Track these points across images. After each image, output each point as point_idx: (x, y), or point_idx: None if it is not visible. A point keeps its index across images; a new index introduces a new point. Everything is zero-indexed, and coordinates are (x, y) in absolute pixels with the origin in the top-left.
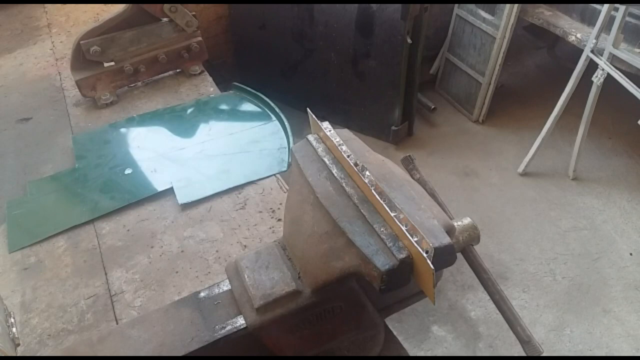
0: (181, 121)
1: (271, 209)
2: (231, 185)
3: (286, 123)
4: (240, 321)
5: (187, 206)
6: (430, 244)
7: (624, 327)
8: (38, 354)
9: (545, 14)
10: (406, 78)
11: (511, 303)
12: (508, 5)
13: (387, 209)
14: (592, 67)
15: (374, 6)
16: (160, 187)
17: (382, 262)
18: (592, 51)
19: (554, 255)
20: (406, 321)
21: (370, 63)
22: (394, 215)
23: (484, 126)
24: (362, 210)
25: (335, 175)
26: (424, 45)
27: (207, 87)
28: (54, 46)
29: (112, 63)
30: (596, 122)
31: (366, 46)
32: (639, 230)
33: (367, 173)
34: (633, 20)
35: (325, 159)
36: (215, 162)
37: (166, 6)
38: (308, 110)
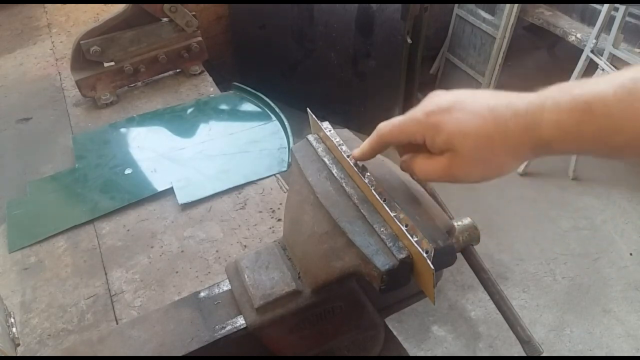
0: (181, 121)
1: (271, 209)
2: (231, 185)
3: (286, 123)
4: (240, 321)
5: (187, 206)
6: (430, 244)
7: (624, 327)
8: (38, 354)
9: (545, 14)
10: (406, 78)
11: (511, 303)
12: (508, 5)
13: (387, 209)
14: (592, 67)
15: (374, 6)
16: (160, 187)
17: (382, 262)
18: (592, 51)
19: (554, 255)
20: (406, 321)
21: (370, 63)
22: (394, 215)
23: None
24: (362, 210)
25: (335, 175)
26: (424, 45)
27: (207, 87)
28: (54, 46)
29: (112, 63)
30: None
31: (366, 46)
32: (639, 230)
33: (367, 173)
34: (633, 20)
35: (325, 159)
36: (215, 162)
37: (166, 6)
38: (308, 110)
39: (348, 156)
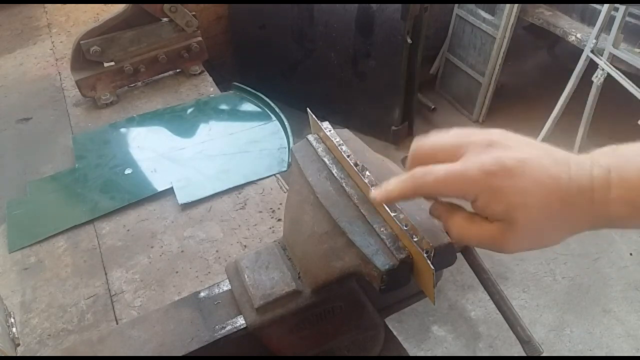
0: (181, 121)
1: (271, 209)
2: (231, 185)
3: (286, 123)
4: (240, 321)
5: (187, 206)
6: (431, 244)
7: (624, 327)
8: (38, 354)
9: (545, 14)
10: (406, 78)
11: (511, 303)
12: (508, 5)
13: (387, 209)
14: (592, 67)
15: (374, 6)
16: (160, 187)
17: (382, 262)
18: (592, 51)
19: (554, 255)
20: (406, 321)
21: (370, 63)
22: (394, 215)
23: (484, 126)
24: (362, 210)
25: (335, 175)
26: (424, 45)
27: (207, 87)
28: (54, 46)
29: (112, 63)
30: (596, 122)
31: (366, 46)
32: (639, 230)
33: (367, 173)
34: (633, 20)
35: (325, 159)
36: (215, 162)
37: (166, 6)
38: (308, 110)
39: (348, 156)
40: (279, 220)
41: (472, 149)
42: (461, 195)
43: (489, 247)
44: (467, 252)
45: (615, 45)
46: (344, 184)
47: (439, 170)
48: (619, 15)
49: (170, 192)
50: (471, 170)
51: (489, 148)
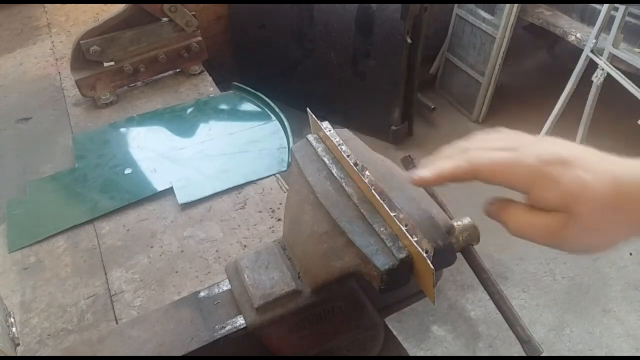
0: (181, 121)
1: (271, 209)
2: (231, 185)
3: (286, 123)
4: (240, 321)
5: (187, 206)
6: (431, 244)
7: (624, 327)
8: (38, 354)
9: (545, 14)
10: (406, 78)
11: (511, 303)
12: (508, 5)
13: (387, 209)
14: (592, 67)
15: (374, 6)
16: (160, 187)
17: (382, 262)
18: (592, 51)
19: (554, 255)
20: (406, 321)
21: (370, 63)
22: (394, 215)
23: (484, 126)
24: (362, 210)
25: (335, 175)
26: (424, 45)
27: (207, 87)
28: (54, 46)
29: (112, 63)
30: (596, 122)
31: (366, 46)
32: None
33: (367, 173)
34: (633, 20)
35: (325, 159)
36: (215, 162)
37: (166, 6)
38: (308, 110)
39: (348, 156)
40: (279, 220)
41: (525, 144)
42: (515, 182)
43: (548, 240)
44: (467, 252)
45: (615, 45)
46: (344, 184)
47: (497, 154)
48: (619, 15)
49: (170, 192)
50: (528, 159)
51: (541, 143)
